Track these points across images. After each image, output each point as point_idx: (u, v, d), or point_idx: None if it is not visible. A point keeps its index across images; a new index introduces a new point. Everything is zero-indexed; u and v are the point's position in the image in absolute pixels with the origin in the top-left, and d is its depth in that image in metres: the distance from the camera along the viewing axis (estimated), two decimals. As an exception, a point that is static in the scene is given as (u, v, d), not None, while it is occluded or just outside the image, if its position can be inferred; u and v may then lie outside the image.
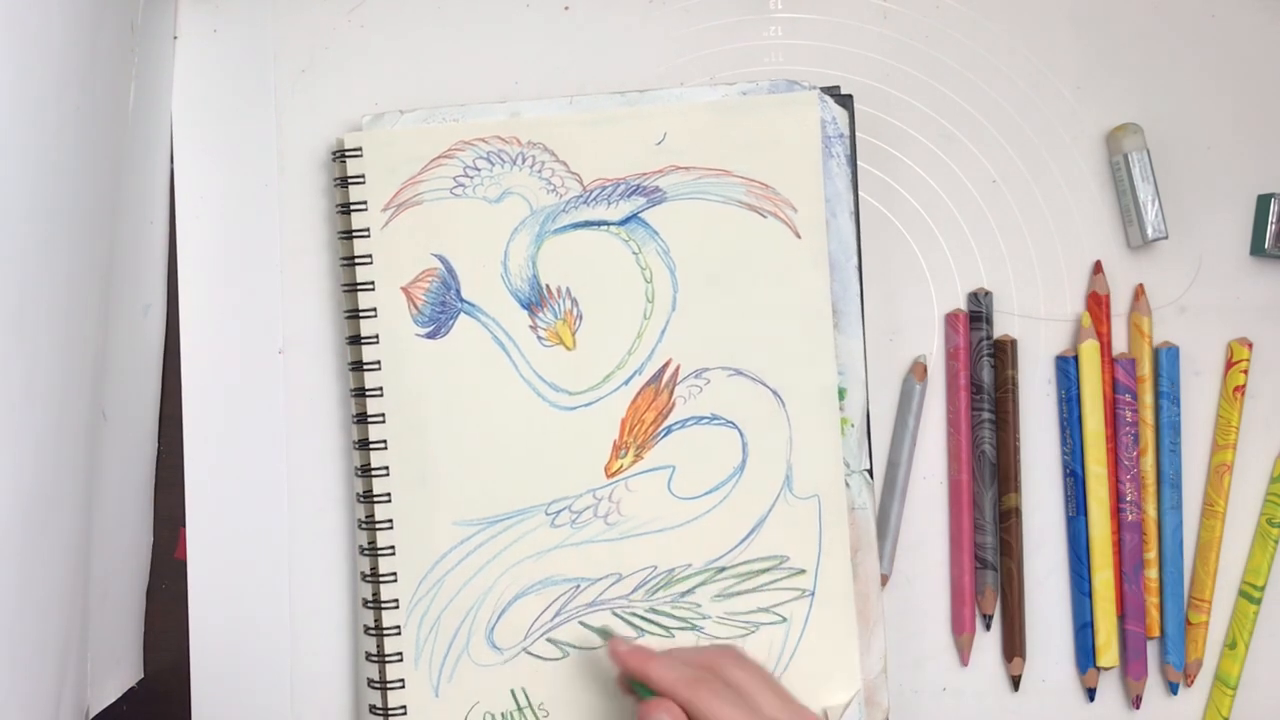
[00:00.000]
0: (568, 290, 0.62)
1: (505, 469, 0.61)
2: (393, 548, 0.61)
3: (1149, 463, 0.64)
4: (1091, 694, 0.65)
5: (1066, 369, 0.64)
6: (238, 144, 0.65)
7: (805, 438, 0.62)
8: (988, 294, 0.65)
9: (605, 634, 0.60)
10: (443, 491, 0.61)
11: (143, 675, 0.64)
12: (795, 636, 0.62)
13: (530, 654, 0.61)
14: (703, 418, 0.62)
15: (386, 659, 0.61)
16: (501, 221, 0.62)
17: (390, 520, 0.61)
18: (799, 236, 0.62)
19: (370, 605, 0.62)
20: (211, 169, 0.65)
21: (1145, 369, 0.64)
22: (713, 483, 0.62)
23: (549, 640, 0.61)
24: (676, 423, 0.62)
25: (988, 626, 0.65)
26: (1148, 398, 0.64)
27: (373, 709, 0.62)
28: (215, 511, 0.64)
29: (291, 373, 0.64)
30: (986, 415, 0.64)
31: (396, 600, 0.61)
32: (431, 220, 0.61)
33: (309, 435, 0.64)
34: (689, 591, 0.62)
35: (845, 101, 0.62)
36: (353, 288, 0.62)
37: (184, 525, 0.64)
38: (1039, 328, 0.65)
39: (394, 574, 0.61)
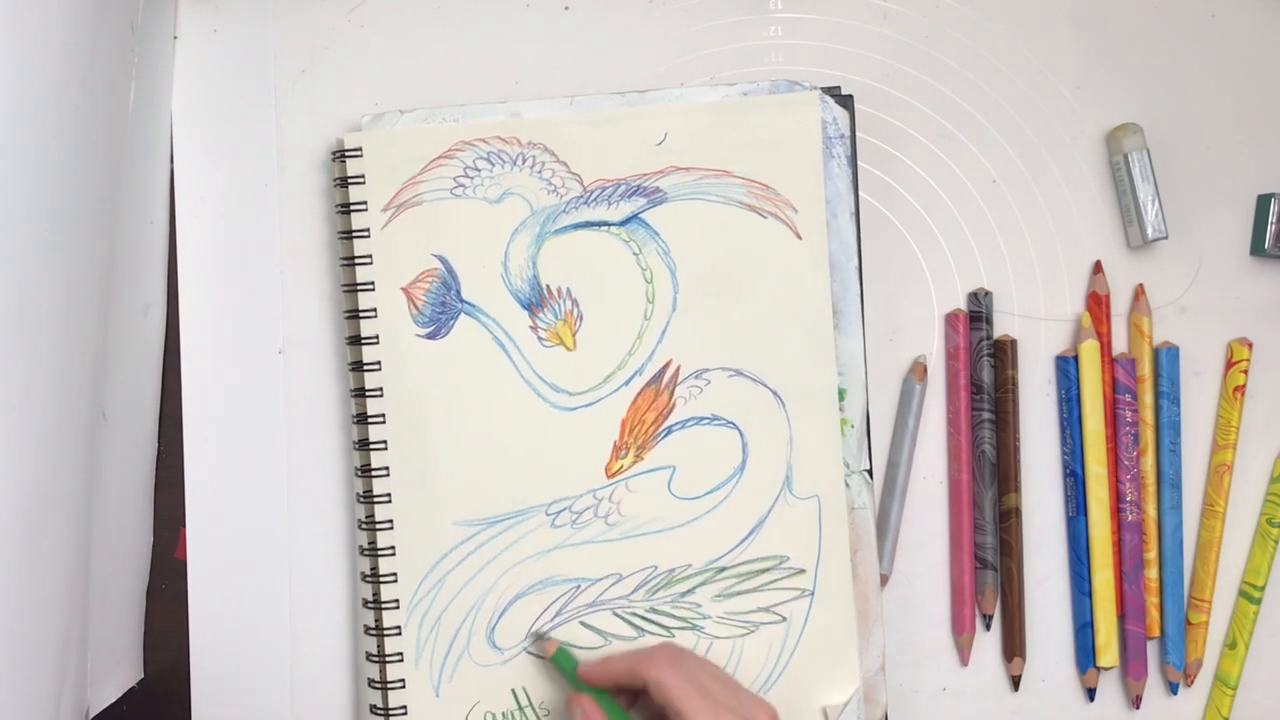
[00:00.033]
0: (568, 291, 0.62)
1: (505, 469, 0.61)
2: (393, 548, 0.61)
3: (1149, 463, 0.64)
4: (1091, 694, 0.65)
5: (1066, 369, 0.64)
6: (238, 144, 0.65)
7: (805, 438, 0.62)
8: (988, 294, 0.65)
9: (541, 639, 0.61)
10: (443, 492, 0.61)
11: (143, 675, 0.64)
12: (795, 636, 0.62)
13: (531, 654, 0.62)
14: (703, 418, 0.62)
15: (387, 659, 0.61)
16: (502, 222, 0.62)
17: (390, 521, 0.61)
18: (799, 237, 0.62)
19: (370, 605, 0.62)
20: (211, 169, 0.65)
21: (1145, 369, 0.64)
22: (713, 483, 0.62)
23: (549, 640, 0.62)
24: (677, 423, 0.62)
25: (988, 626, 0.65)
26: (1148, 398, 0.64)
27: (373, 709, 0.62)
28: (215, 511, 0.64)
29: (291, 373, 0.64)
30: (986, 415, 0.64)
31: (397, 600, 0.61)
32: (432, 220, 0.61)
33: (309, 435, 0.64)
34: (689, 591, 0.62)
35: (846, 102, 0.62)
36: (353, 288, 0.62)
37: (184, 525, 0.64)
38: (1039, 328, 0.65)
39: (394, 574, 0.61)
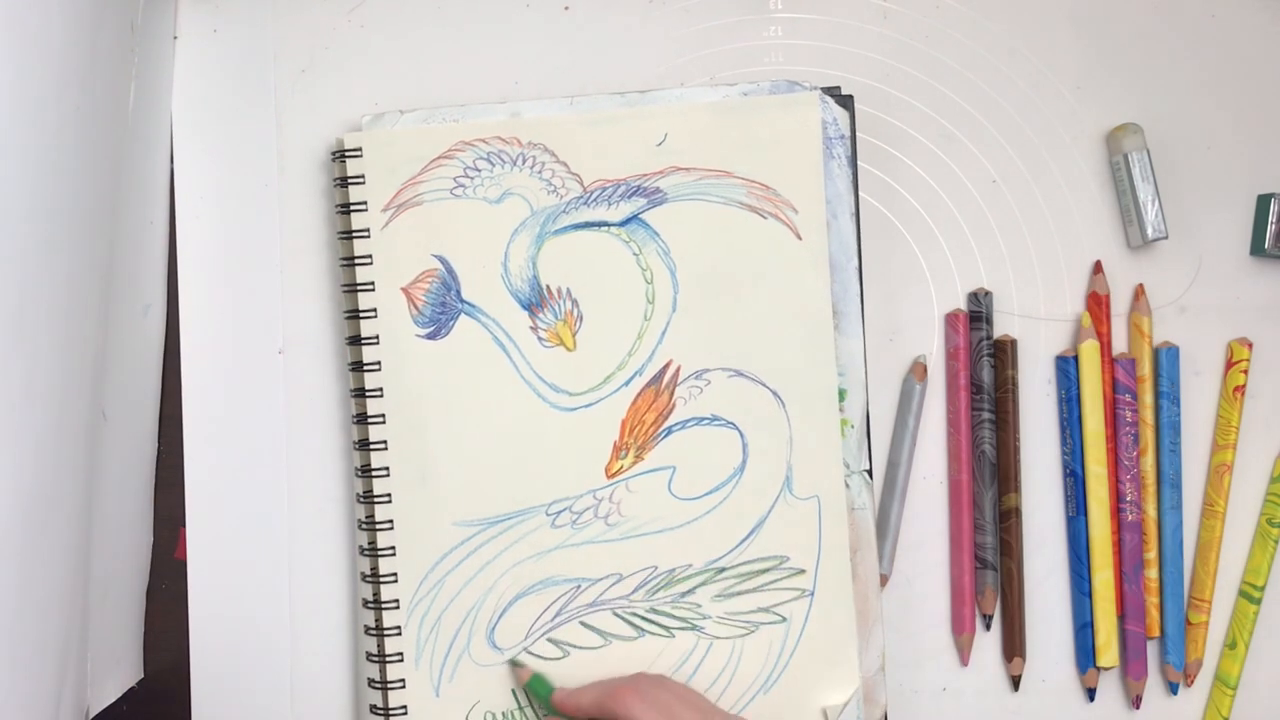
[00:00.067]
0: (568, 291, 0.62)
1: (506, 470, 0.61)
2: (393, 548, 0.61)
3: (1149, 463, 0.64)
4: (1091, 694, 0.65)
5: (1066, 369, 0.64)
6: (238, 144, 0.65)
7: (805, 438, 0.62)
8: (988, 294, 0.65)
9: (516, 666, 0.61)
10: (443, 492, 0.61)
11: (143, 675, 0.64)
12: (795, 636, 0.62)
13: (531, 654, 0.61)
14: (703, 418, 0.62)
15: (387, 659, 0.61)
16: (502, 222, 0.62)
17: (390, 521, 0.61)
18: (800, 238, 0.62)
19: (370, 605, 0.62)
20: (211, 169, 0.65)
21: (1145, 369, 0.64)
22: (713, 483, 0.62)
23: (550, 640, 0.61)
24: (677, 423, 0.62)
25: (988, 626, 0.65)
26: (1148, 398, 0.64)
27: (373, 709, 0.62)
28: (215, 511, 0.64)
29: (291, 373, 0.64)
30: (986, 415, 0.64)
31: (397, 600, 0.61)
32: (431, 221, 0.61)
33: (309, 435, 0.64)
34: (689, 592, 0.62)
35: (846, 102, 0.62)
36: (353, 288, 0.62)
37: (184, 525, 0.64)
38: (1039, 328, 0.65)
39: (394, 574, 0.61)
